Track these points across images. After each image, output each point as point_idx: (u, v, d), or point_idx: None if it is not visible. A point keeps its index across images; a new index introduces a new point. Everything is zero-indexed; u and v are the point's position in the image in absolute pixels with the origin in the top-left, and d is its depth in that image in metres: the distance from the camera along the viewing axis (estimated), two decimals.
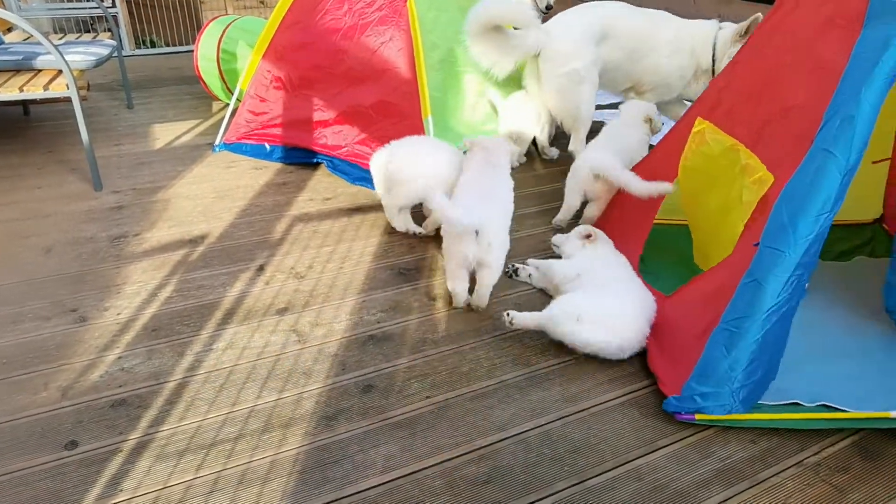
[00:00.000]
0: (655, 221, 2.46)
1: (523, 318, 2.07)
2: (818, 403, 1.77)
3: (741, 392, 1.71)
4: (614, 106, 4.73)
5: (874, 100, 1.60)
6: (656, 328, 2.04)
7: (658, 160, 2.57)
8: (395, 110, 3.10)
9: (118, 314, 2.24)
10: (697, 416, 1.75)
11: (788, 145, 1.80)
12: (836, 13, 1.78)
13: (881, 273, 2.22)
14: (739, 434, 1.76)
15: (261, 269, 2.54)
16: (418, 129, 3.00)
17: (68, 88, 3.06)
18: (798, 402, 1.79)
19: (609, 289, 2.09)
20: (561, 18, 3.34)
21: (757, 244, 1.74)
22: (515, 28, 3.19)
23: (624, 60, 3.36)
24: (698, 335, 1.82)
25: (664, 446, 1.72)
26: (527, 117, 3.49)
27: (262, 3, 6.73)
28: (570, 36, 3.23)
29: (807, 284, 1.72)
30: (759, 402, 1.78)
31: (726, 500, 1.57)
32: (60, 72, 3.21)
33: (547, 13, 4.29)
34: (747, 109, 2.08)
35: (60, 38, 4.20)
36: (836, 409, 1.74)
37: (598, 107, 4.51)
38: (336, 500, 1.54)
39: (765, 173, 1.85)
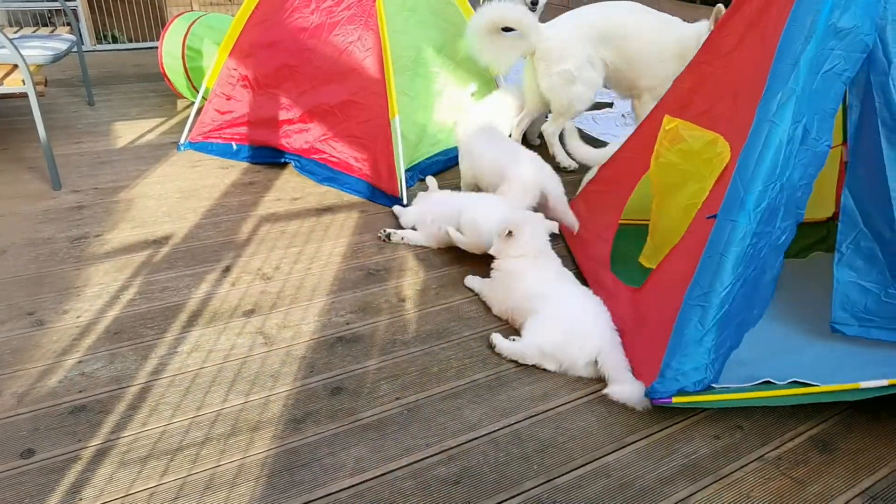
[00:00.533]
0: (623, 221, 2.50)
1: (504, 347, 2.07)
2: (789, 381, 1.82)
3: (715, 364, 1.75)
4: (602, 106, 4.82)
5: (806, 71, 1.70)
6: (630, 322, 2.07)
7: (626, 158, 2.60)
8: (362, 110, 3.08)
9: (78, 317, 2.18)
10: (675, 399, 1.77)
11: (746, 122, 1.85)
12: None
13: (817, 268, 2.33)
14: (703, 430, 1.80)
15: (227, 270, 2.50)
16: (385, 129, 2.98)
17: (24, 84, 2.96)
18: (770, 380, 1.82)
19: (561, 314, 2.05)
20: (560, 18, 3.38)
21: (712, 216, 1.79)
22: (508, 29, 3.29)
23: (623, 63, 3.37)
24: (668, 320, 1.85)
25: (631, 443, 1.75)
26: (501, 119, 3.51)
27: None
28: (562, 36, 3.28)
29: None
30: (732, 385, 1.81)
31: (691, 495, 1.60)
32: (16, 66, 3.11)
33: (533, 9, 4.40)
34: (727, 108, 2.12)
35: (16, 32, 4.06)
36: (807, 385, 1.79)
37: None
38: (305, 503, 1.53)
39: (726, 151, 1.91)
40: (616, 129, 4.39)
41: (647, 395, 1.80)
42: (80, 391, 1.85)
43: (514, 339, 2.07)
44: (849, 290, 1.94)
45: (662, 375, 1.77)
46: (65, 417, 1.75)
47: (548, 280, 2.17)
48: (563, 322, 2.02)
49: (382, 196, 3.06)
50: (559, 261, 2.30)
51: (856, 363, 1.93)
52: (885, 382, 1.74)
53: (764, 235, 1.74)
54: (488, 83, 3.84)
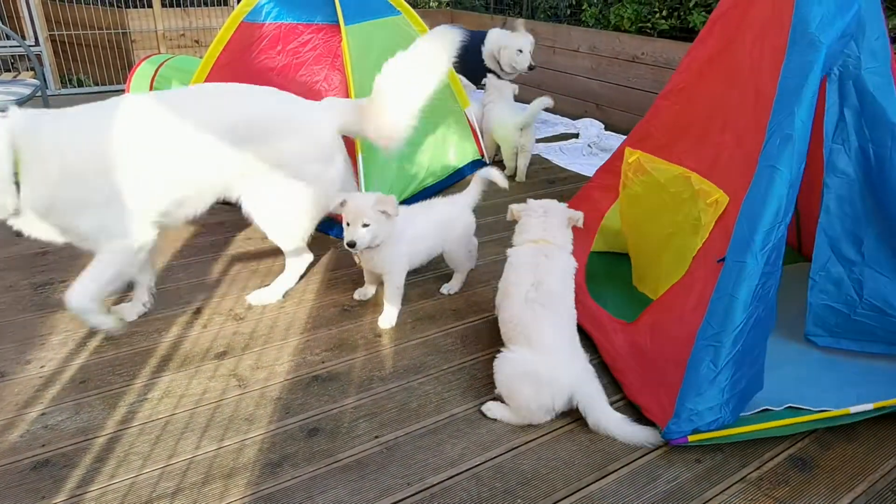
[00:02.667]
0: (597, 250, 2.55)
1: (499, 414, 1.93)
2: (785, 406, 1.89)
3: (730, 403, 1.77)
4: (569, 137, 4.92)
5: (805, 117, 1.78)
6: (625, 355, 2.08)
7: (594, 187, 2.67)
8: None
9: (42, 367, 2.10)
10: (690, 438, 1.78)
11: (741, 168, 1.94)
12: (769, 51, 1.95)
13: (786, 281, 2.41)
14: (684, 454, 1.80)
15: (198, 312, 2.45)
16: (353, 166, 2.98)
17: None
18: (768, 408, 1.89)
19: (528, 360, 1.86)
20: None
21: (722, 260, 1.84)
22: None
23: None
24: (677, 359, 1.87)
25: (613, 471, 1.74)
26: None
27: (197, 42, 6.65)
28: None
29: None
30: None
31: None
32: None
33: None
34: (692, 143, 2.20)
35: None
36: (802, 410, 1.88)
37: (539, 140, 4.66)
38: None
39: (721, 195, 1.98)
40: (582, 159, 4.47)
41: (663, 436, 1.80)
42: (44, 445, 1.77)
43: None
44: (821, 311, 2.07)
45: (678, 416, 1.78)
46: (26, 474, 1.67)
47: (535, 284, 1.96)
48: (529, 371, 1.84)
49: None
50: (569, 261, 2.08)
51: (832, 381, 2.03)
52: (870, 406, 1.87)
53: (772, 275, 1.79)
54: (458, 117, 3.89)
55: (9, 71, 5.66)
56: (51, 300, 2.50)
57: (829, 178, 1.98)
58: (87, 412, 1.90)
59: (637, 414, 1.92)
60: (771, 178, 1.79)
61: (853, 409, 1.87)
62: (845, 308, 2.06)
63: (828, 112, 1.92)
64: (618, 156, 2.54)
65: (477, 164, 4.05)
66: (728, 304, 1.76)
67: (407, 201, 3.38)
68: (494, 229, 3.22)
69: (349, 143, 2.99)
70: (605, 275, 2.62)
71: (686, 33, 4.66)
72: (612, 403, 1.96)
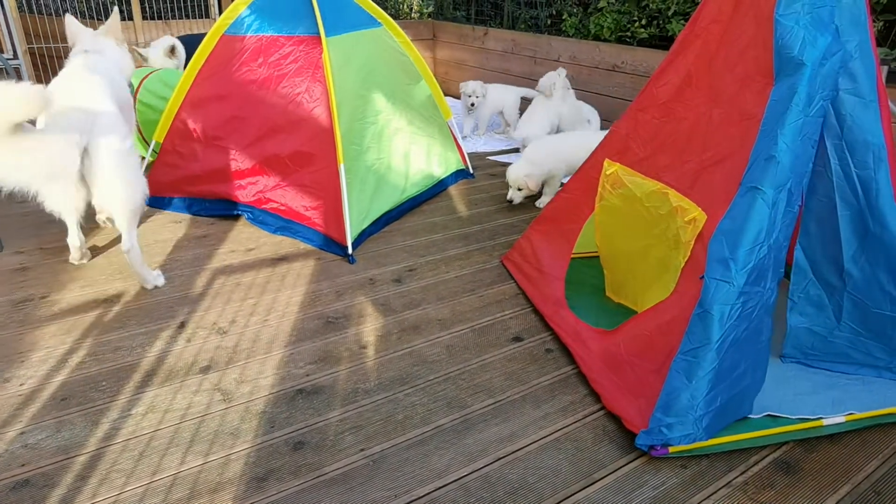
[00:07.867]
0: (574, 255, 2.55)
1: None
2: (764, 414, 1.92)
3: (704, 420, 1.77)
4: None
5: (789, 139, 1.79)
6: (600, 363, 2.09)
7: (569, 198, 2.68)
8: (311, 159, 3.08)
9: (21, 385, 2.07)
10: (671, 449, 1.78)
11: (720, 188, 1.95)
12: (753, 70, 1.95)
13: None
14: (670, 460, 1.81)
15: (181, 326, 2.43)
16: (334, 178, 2.99)
17: None
18: (748, 415, 1.90)
19: None
20: None
21: (702, 277, 1.84)
22: None
23: None
24: (657, 369, 1.88)
25: (600, 479, 1.74)
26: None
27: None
28: None
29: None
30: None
31: None
32: None
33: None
34: (673, 159, 2.21)
35: None
36: (780, 418, 1.92)
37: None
38: None
39: (699, 213, 1.99)
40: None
41: (636, 444, 1.82)
42: (23, 465, 1.74)
43: None
44: (799, 334, 2.11)
45: (649, 426, 1.80)
46: (5, 495, 1.64)
47: None
48: None
49: (335, 245, 3.04)
50: None
51: (808, 384, 2.09)
52: (842, 419, 1.93)
53: (754, 296, 1.79)
54: (442, 128, 3.91)
55: None
56: (31, 316, 2.46)
57: (810, 200, 2.01)
58: (68, 430, 1.87)
59: (618, 424, 1.93)
60: (753, 199, 1.80)
61: (826, 421, 1.91)
62: (823, 331, 2.09)
63: None
64: (592, 165, 2.55)
65: (461, 175, 4.08)
66: (705, 321, 1.77)
67: (391, 212, 3.40)
68: (479, 238, 3.24)
69: (332, 153, 3.01)
70: (575, 282, 2.63)
71: (665, 42, 4.73)
72: (592, 413, 1.99)
